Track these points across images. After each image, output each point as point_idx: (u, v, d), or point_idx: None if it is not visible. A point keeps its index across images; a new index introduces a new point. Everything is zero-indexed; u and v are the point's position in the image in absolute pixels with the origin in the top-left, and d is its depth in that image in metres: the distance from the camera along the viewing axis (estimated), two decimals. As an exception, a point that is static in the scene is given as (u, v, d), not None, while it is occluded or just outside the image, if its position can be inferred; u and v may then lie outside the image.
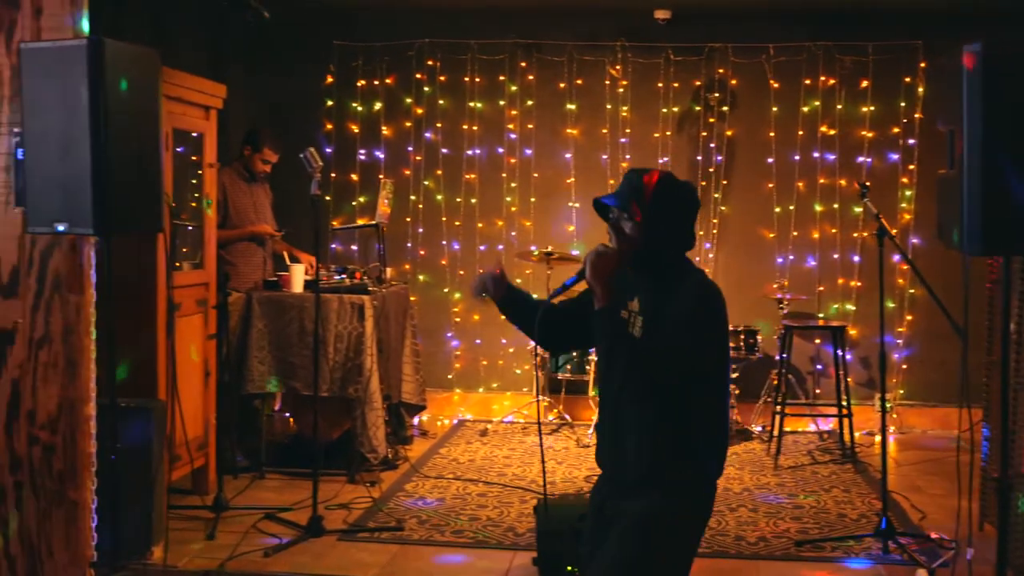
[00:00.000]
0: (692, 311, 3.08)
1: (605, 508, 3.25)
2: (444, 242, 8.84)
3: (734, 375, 7.87)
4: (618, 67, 8.63)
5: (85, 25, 4.36)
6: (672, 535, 3.16)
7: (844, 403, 7.31)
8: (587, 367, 7.92)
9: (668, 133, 8.64)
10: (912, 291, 8.38)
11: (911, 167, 8.42)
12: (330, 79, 8.85)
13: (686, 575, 3.21)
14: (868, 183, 6.06)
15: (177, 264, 6.10)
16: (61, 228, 4.02)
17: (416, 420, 8.04)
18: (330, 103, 8.86)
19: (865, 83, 8.44)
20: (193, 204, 6.27)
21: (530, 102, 8.74)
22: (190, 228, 6.29)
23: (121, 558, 4.62)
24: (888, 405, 8.34)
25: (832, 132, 8.51)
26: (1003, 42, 3.59)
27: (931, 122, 8.24)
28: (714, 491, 3.28)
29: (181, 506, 5.83)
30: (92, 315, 4.44)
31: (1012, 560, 4.88)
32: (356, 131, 8.87)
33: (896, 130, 8.45)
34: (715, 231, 8.59)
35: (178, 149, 6.10)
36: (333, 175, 8.83)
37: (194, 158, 6.24)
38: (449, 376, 8.91)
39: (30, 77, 4.02)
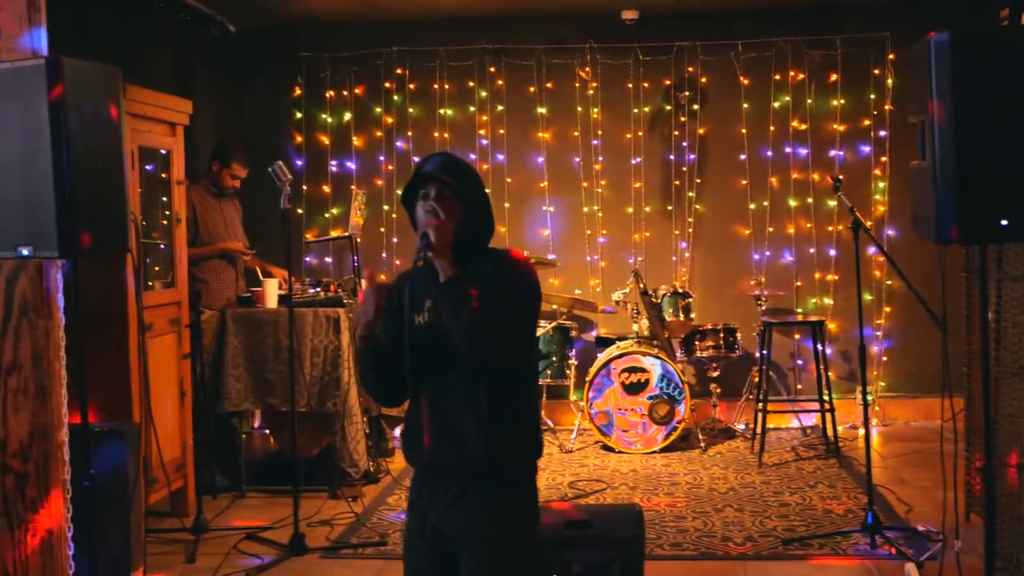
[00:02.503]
0: (522, 282, 3.02)
1: (428, 515, 3.04)
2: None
3: (715, 373, 7.84)
4: (587, 69, 8.60)
5: (43, 45, 4.28)
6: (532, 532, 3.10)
7: (826, 398, 7.29)
8: (567, 371, 7.88)
9: (640, 133, 8.61)
10: (889, 283, 8.38)
11: (883, 159, 8.42)
12: (298, 91, 8.78)
13: None
14: (841, 176, 6.05)
15: (149, 284, 6.03)
16: (25, 252, 3.93)
17: (397, 432, 7.97)
18: (299, 115, 8.80)
19: (834, 76, 8.44)
20: (164, 222, 6.20)
21: (500, 107, 8.70)
22: (161, 247, 6.22)
23: (100, 585, 4.53)
24: (870, 398, 8.33)
25: (803, 127, 8.50)
26: (970, 29, 3.58)
27: (902, 113, 8.23)
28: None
29: (160, 529, 5.75)
30: (62, 339, 4.35)
31: (1000, 549, 4.86)
32: (327, 142, 8.81)
33: (867, 122, 8.45)
34: (690, 230, 8.57)
35: (146, 167, 6.04)
36: (305, 187, 8.77)
37: (163, 175, 6.18)
38: (429, 386, 8.83)
39: (-12, 99, 3.94)
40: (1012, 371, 4.87)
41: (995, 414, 4.92)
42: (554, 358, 7.95)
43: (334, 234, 8.41)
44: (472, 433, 2.96)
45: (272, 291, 6.61)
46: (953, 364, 5.63)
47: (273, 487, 6.56)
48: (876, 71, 8.39)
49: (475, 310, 2.88)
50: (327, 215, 8.81)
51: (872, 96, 8.42)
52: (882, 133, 8.42)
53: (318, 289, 6.85)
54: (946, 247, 3.75)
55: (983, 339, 3.85)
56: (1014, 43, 3.58)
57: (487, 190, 3.15)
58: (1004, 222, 3.49)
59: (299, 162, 8.77)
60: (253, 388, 6.52)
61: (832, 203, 8.39)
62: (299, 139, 8.80)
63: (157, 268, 6.25)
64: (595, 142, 8.62)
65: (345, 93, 8.77)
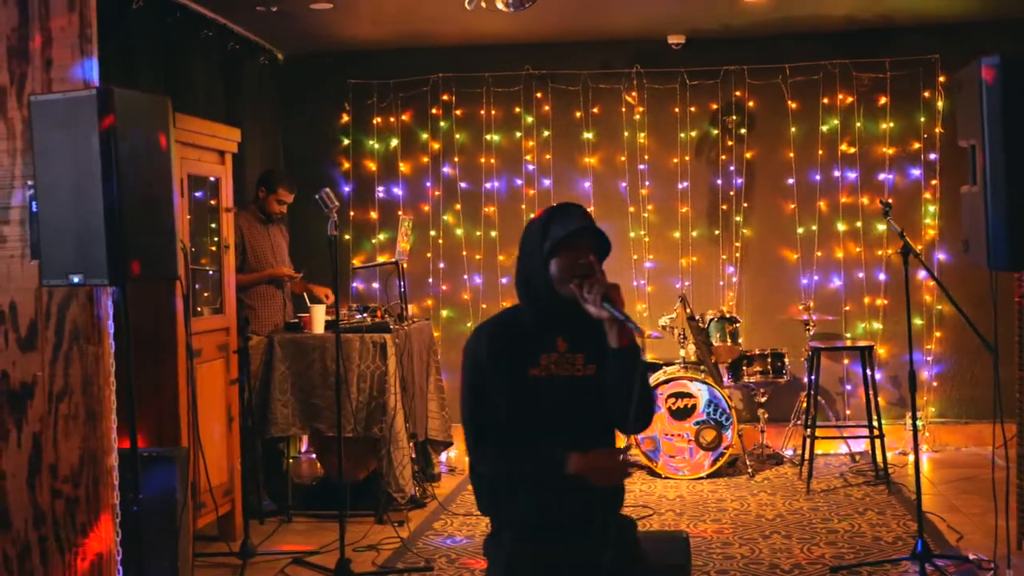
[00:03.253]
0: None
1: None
2: (465, 276, 8.81)
3: (763, 399, 7.78)
4: (634, 93, 8.60)
5: (95, 75, 4.36)
6: None
7: (875, 423, 7.20)
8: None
9: (687, 158, 8.59)
10: (940, 307, 8.28)
11: (933, 182, 8.33)
12: (346, 117, 8.86)
13: None
14: (891, 200, 6.02)
15: (198, 310, 6.09)
16: (76, 279, 4.00)
17: (443, 457, 7.97)
18: (347, 141, 8.87)
19: (883, 99, 8.37)
20: (212, 248, 6.27)
21: (547, 132, 8.72)
22: (210, 273, 6.28)
23: (148, 609, 4.57)
24: (920, 423, 8.22)
25: (852, 150, 8.44)
26: (1021, 53, 3.54)
27: (952, 137, 8.12)
28: None
29: (208, 553, 5.79)
30: (111, 365, 4.41)
31: (1054, 581, 4.78)
32: (373, 168, 8.86)
33: (917, 145, 8.37)
34: (738, 254, 8.52)
35: (196, 194, 6.11)
36: (352, 213, 8.82)
37: (212, 202, 6.24)
38: (477, 411, 8.82)
39: (41, 129, 4.01)
40: (1065, 398, 4.79)
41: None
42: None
43: (381, 260, 8.44)
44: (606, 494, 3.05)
45: (319, 317, 6.65)
46: (1005, 390, 5.56)
47: (320, 512, 6.58)
48: (926, 93, 8.32)
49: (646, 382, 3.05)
50: (374, 241, 8.86)
51: (922, 119, 8.35)
52: (932, 156, 8.34)
53: (365, 315, 6.88)
54: (997, 272, 3.70)
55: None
56: (1065, 66, 3.53)
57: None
58: (1056, 247, 3.45)
59: (346, 188, 8.83)
60: (300, 413, 6.56)
61: (881, 227, 8.31)
62: (346, 165, 8.87)
63: (206, 294, 6.31)
64: (642, 167, 8.61)
65: (392, 119, 8.83)
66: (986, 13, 7.80)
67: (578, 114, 8.67)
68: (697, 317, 7.64)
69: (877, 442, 7.24)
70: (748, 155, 8.54)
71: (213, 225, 6.26)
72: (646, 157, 8.61)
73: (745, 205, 8.54)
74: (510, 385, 3.01)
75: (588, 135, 8.68)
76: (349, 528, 5.63)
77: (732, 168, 8.53)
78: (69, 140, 3.94)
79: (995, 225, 3.46)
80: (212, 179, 6.18)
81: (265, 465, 6.70)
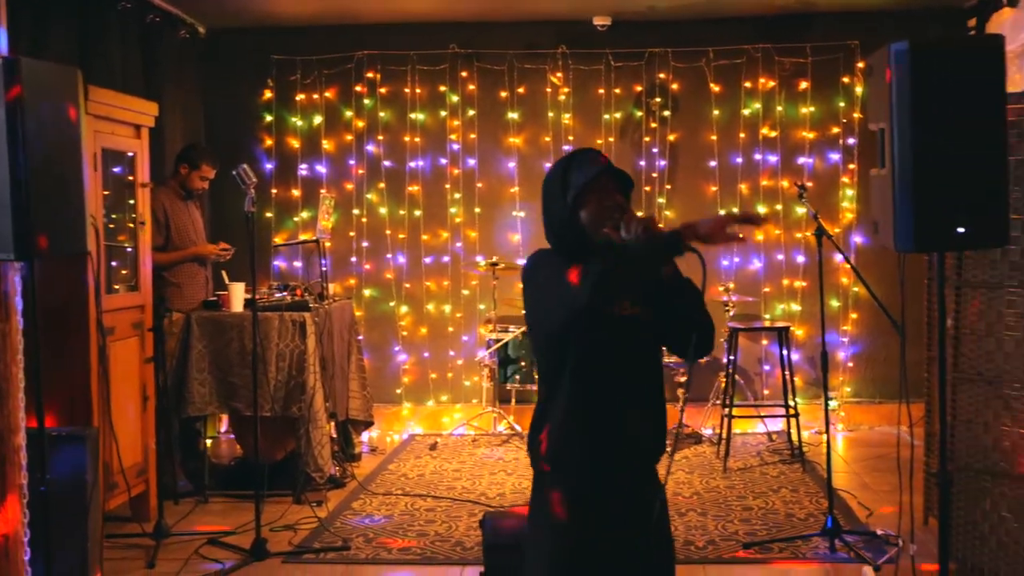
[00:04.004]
0: None
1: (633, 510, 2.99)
2: (389, 255, 8.77)
3: (683, 378, 7.86)
4: (559, 74, 8.61)
5: (3, 45, 4.25)
6: None
7: (791, 403, 7.31)
8: (535, 376, 7.87)
9: (611, 139, 8.63)
10: (856, 289, 8.42)
11: (852, 166, 8.46)
12: (268, 94, 8.76)
13: None
14: (806, 183, 6.10)
15: (114, 287, 5.99)
16: (-19, 254, 3.91)
17: (365, 437, 7.95)
18: (269, 118, 8.78)
19: (804, 84, 8.48)
20: (130, 225, 6.16)
21: (472, 112, 8.70)
22: (128, 250, 6.18)
23: (57, 590, 4.50)
24: (836, 403, 8.37)
25: (774, 134, 8.54)
26: (928, 40, 3.60)
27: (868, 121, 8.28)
28: None
29: (120, 535, 5.72)
30: (19, 342, 4.32)
31: (955, 553, 4.89)
32: (296, 146, 8.78)
33: (836, 130, 8.50)
34: (660, 236, 8.57)
35: (114, 169, 6.00)
36: (274, 191, 8.74)
37: (129, 178, 6.13)
38: (398, 390, 8.83)
39: (-55, 100, 3.91)
40: (969, 377, 4.90)
41: (953, 419, 4.95)
42: (523, 363, 7.95)
43: (303, 237, 8.38)
44: (652, 426, 3.02)
45: (238, 295, 6.58)
46: (916, 370, 5.68)
47: (237, 492, 6.52)
48: (845, 79, 8.44)
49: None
50: (296, 219, 8.78)
51: (841, 104, 8.47)
52: (851, 141, 8.47)
53: (284, 293, 6.82)
54: (907, 254, 3.76)
55: (940, 345, 3.88)
56: (971, 53, 3.59)
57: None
58: (960, 230, 3.51)
59: (269, 165, 8.74)
60: (217, 392, 6.49)
61: (801, 210, 8.42)
62: (269, 142, 8.78)
63: (124, 271, 6.20)
64: (566, 147, 8.63)
65: (316, 96, 8.75)
66: (901, 0, 7.92)
67: (503, 94, 8.67)
68: (618, 298, 7.66)
69: (792, 421, 7.35)
70: (671, 137, 8.60)
71: (131, 201, 6.15)
72: (571, 138, 8.63)
73: (668, 187, 8.60)
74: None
75: (513, 115, 8.67)
76: (267, 508, 5.59)
77: (655, 150, 8.59)
78: (-26, 111, 3.85)
79: (902, 207, 3.51)
80: (129, 154, 6.07)
81: (182, 445, 6.61)
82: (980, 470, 4.87)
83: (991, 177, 3.53)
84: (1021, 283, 4.71)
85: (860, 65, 8.37)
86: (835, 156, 8.51)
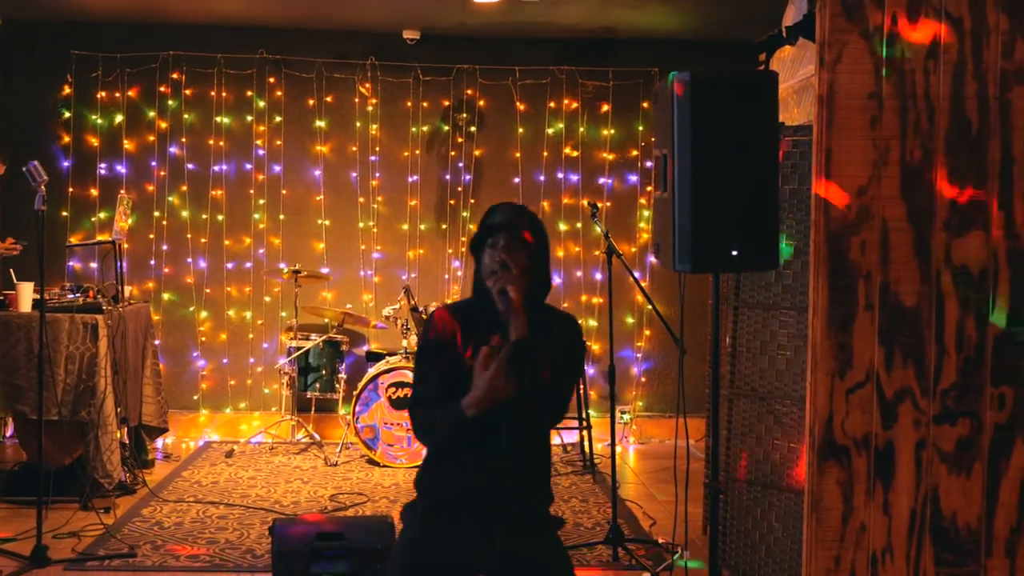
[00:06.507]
0: (581, 353, 3.33)
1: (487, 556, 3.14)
2: (190, 260, 8.63)
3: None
4: (368, 85, 8.67)
5: None
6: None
7: (584, 416, 7.55)
8: (336, 385, 7.89)
9: (417, 152, 8.73)
10: (649, 308, 8.74)
11: (648, 188, 8.79)
12: (67, 89, 8.51)
13: None
14: (598, 203, 6.32)
15: None
16: None
17: (159, 443, 7.80)
18: (68, 114, 8.52)
19: (606, 107, 8.77)
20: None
21: (279, 118, 8.66)
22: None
23: None
24: (628, 416, 8.68)
25: (575, 154, 8.80)
26: (710, 70, 3.82)
27: (654, 147, 8.63)
28: None
29: None
30: None
31: (728, 560, 5.17)
32: (96, 144, 8.55)
33: (635, 153, 8.82)
34: (463, 249, 8.73)
35: None
36: (71, 190, 8.49)
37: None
38: (195, 397, 8.69)
39: None
40: (744, 392, 5.19)
41: (729, 433, 5.24)
42: (324, 372, 7.95)
43: (99, 238, 8.16)
44: (519, 477, 3.18)
45: (26, 295, 6.38)
46: (701, 386, 5.97)
47: (20, 498, 6.30)
48: (644, 104, 8.78)
49: (544, 381, 3.07)
50: (93, 219, 8.54)
51: (640, 128, 8.81)
52: (648, 164, 8.80)
53: (77, 295, 6.64)
54: (691, 275, 3.97)
55: (714, 362, 4.10)
56: (748, 86, 3.83)
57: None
58: (735, 253, 3.74)
59: (66, 163, 8.49)
60: (3, 394, 6.27)
61: (599, 229, 8.68)
62: (66, 139, 8.52)
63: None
64: (373, 158, 8.69)
65: (117, 95, 8.54)
66: (700, 32, 8.32)
67: (311, 102, 8.66)
68: (420, 308, 7.77)
69: (586, 434, 7.59)
70: (477, 152, 8.76)
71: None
72: (377, 149, 8.70)
73: (472, 201, 8.76)
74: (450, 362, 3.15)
75: (321, 123, 8.68)
76: (52, 515, 5.44)
77: (461, 164, 8.74)
78: None
79: (680, 229, 3.71)
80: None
81: (-39, 449, 6.36)
82: (752, 481, 5.16)
83: (763, 204, 3.76)
84: (793, 305, 5.02)
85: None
86: (633, 178, 8.83)
